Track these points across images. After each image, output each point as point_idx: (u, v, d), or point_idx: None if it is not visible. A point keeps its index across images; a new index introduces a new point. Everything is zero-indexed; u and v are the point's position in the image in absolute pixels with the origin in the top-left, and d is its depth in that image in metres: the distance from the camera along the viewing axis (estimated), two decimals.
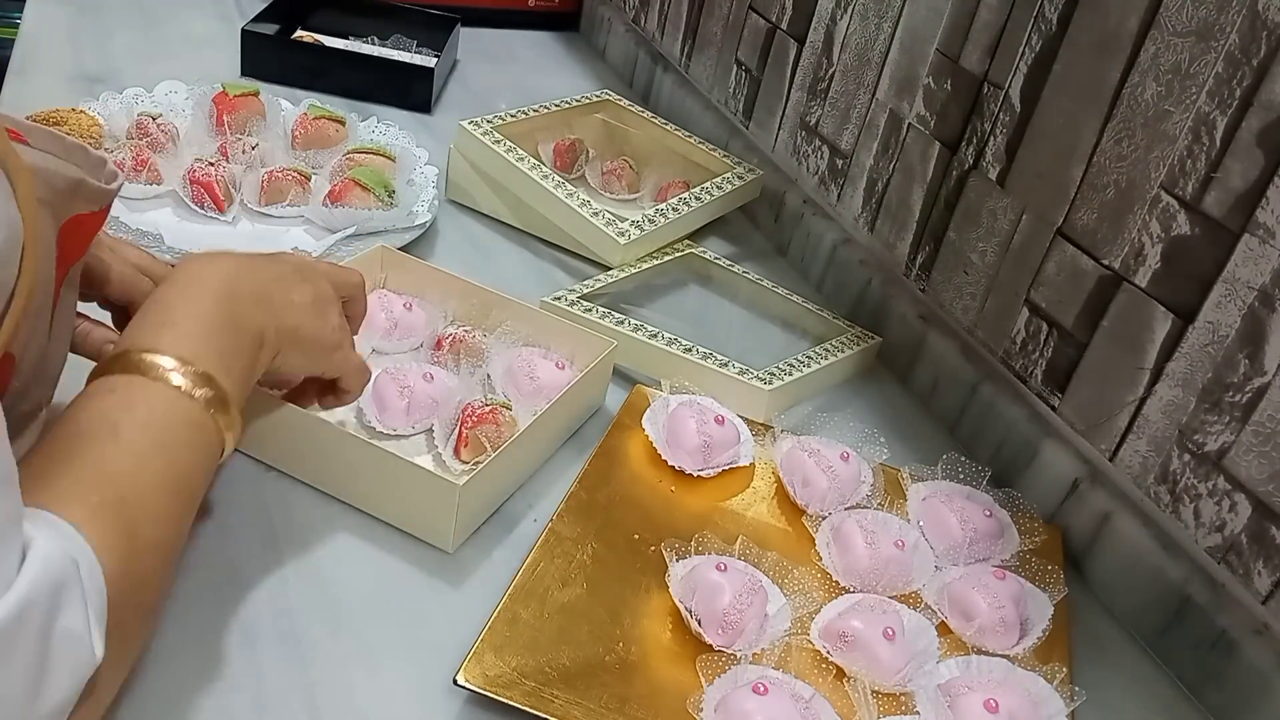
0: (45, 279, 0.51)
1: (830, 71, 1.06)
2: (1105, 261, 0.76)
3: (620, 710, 0.58)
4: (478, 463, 0.70)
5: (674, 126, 1.21)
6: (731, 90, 1.24)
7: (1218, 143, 0.67)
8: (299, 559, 0.65)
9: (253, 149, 1.00)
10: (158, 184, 0.94)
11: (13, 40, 1.22)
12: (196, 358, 0.54)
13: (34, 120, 0.77)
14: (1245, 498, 0.67)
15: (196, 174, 0.94)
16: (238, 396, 0.56)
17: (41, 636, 0.40)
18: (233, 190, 0.96)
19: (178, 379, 0.52)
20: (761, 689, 0.57)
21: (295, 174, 0.97)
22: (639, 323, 0.88)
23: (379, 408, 0.74)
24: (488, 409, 0.72)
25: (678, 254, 1.04)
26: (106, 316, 0.66)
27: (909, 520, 0.75)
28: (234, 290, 0.59)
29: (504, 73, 1.45)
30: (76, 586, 0.42)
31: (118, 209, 0.90)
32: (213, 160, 0.96)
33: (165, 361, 0.52)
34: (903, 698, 0.63)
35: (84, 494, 0.47)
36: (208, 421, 0.53)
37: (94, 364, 0.54)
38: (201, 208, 0.93)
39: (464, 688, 0.57)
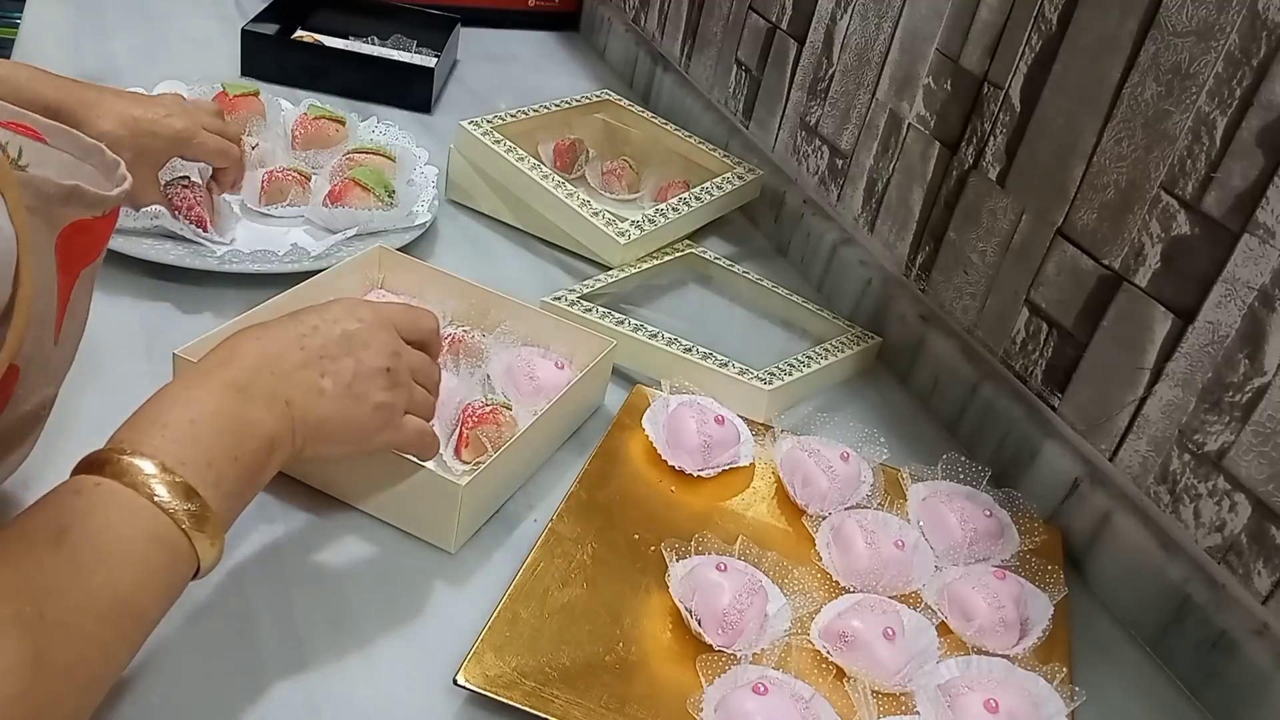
0: (45, 289, 0.50)
1: (830, 71, 1.06)
2: (1105, 261, 0.76)
3: (620, 710, 0.58)
4: (479, 463, 0.70)
5: (674, 126, 1.21)
6: (731, 90, 1.24)
7: (1218, 143, 0.67)
8: (299, 559, 0.65)
9: (253, 149, 1.00)
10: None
11: (13, 40, 1.22)
12: (181, 466, 0.49)
13: None
14: (1245, 498, 0.67)
15: (171, 196, 0.88)
16: (224, 512, 0.51)
17: None
18: (213, 208, 0.90)
19: (153, 487, 0.48)
20: (761, 689, 0.57)
21: (295, 174, 0.97)
22: (639, 323, 0.88)
23: None
24: (488, 409, 0.72)
25: (678, 254, 1.04)
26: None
27: (909, 520, 0.75)
28: (247, 389, 0.54)
29: (504, 73, 1.45)
30: None
31: None
32: (186, 180, 0.89)
33: (145, 466, 0.48)
34: (903, 698, 0.63)
35: None
36: (178, 539, 0.48)
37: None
38: (201, 229, 0.88)
39: (464, 688, 0.57)
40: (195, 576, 0.51)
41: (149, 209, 0.85)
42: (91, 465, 0.49)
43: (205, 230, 0.88)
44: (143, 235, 0.86)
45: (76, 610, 0.45)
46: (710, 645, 0.63)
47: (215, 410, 0.52)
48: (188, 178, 0.89)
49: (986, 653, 0.66)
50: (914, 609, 0.67)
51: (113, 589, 0.46)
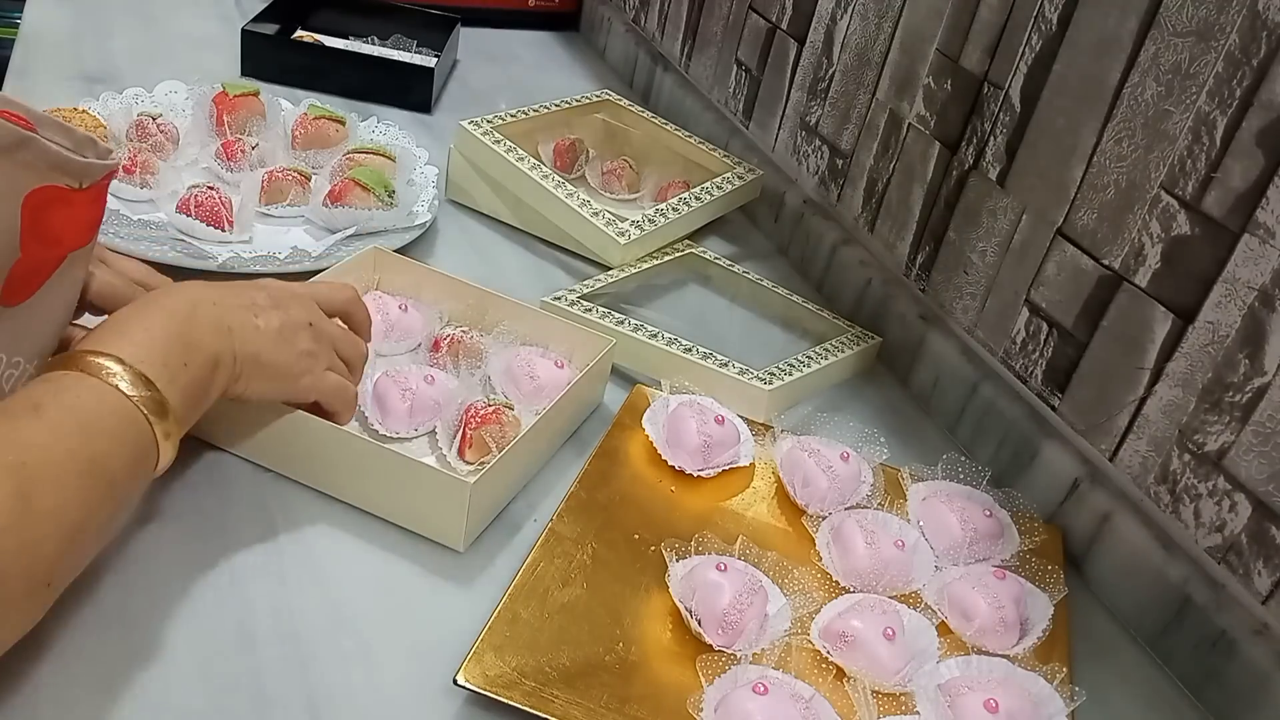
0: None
1: (830, 71, 1.06)
2: (1105, 261, 0.76)
3: (620, 710, 0.58)
4: (483, 463, 0.70)
5: (674, 126, 1.21)
6: (731, 90, 1.24)
7: (1218, 143, 0.67)
8: (299, 559, 0.65)
9: (253, 149, 1.00)
10: (152, 188, 0.94)
11: (13, 40, 1.22)
12: (139, 362, 0.55)
13: None
14: (1245, 498, 0.67)
15: (199, 198, 0.90)
16: (180, 409, 0.56)
17: None
18: (232, 206, 0.92)
19: (115, 377, 0.54)
20: (761, 689, 0.57)
21: (295, 174, 0.97)
22: (639, 323, 0.88)
23: (381, 411, 0.74)
24: (490, 409, 0.72)
25: (678, 254, 1.04)
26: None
27: (909, 520, 0.75)
28: (192, 314, 0.60)
29: (504, 73, 1.45)
30: None
31: (116, 206, 0.90)
32: (210, 185, 0.91)
33: (107, 362, 0.54)
34: (903, 698, 0.63)
35: None
36: (141, 421, 0.54)
37: None
38: (218, 228, 0.90)
39: (464, 688, 0.57)
40: (155, 473, 0.57)
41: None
42: (57, 364, 0.54)
43: (227, 230, 0.90)
44: (142, 236, 0.86)
45: (57, 464, 0.50)
46: (710, 645, 0.63)
47: (166, 324, 0.58)
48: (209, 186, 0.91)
49: (986, 653, 0.66)
50: (914, 609, 0.67)
51: (89, 451, 0.52)
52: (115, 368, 0.54)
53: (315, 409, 0.68)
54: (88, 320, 0.64)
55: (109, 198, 0.93)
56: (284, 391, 0.66)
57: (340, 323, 0.71)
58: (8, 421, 0.50)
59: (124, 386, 0.54)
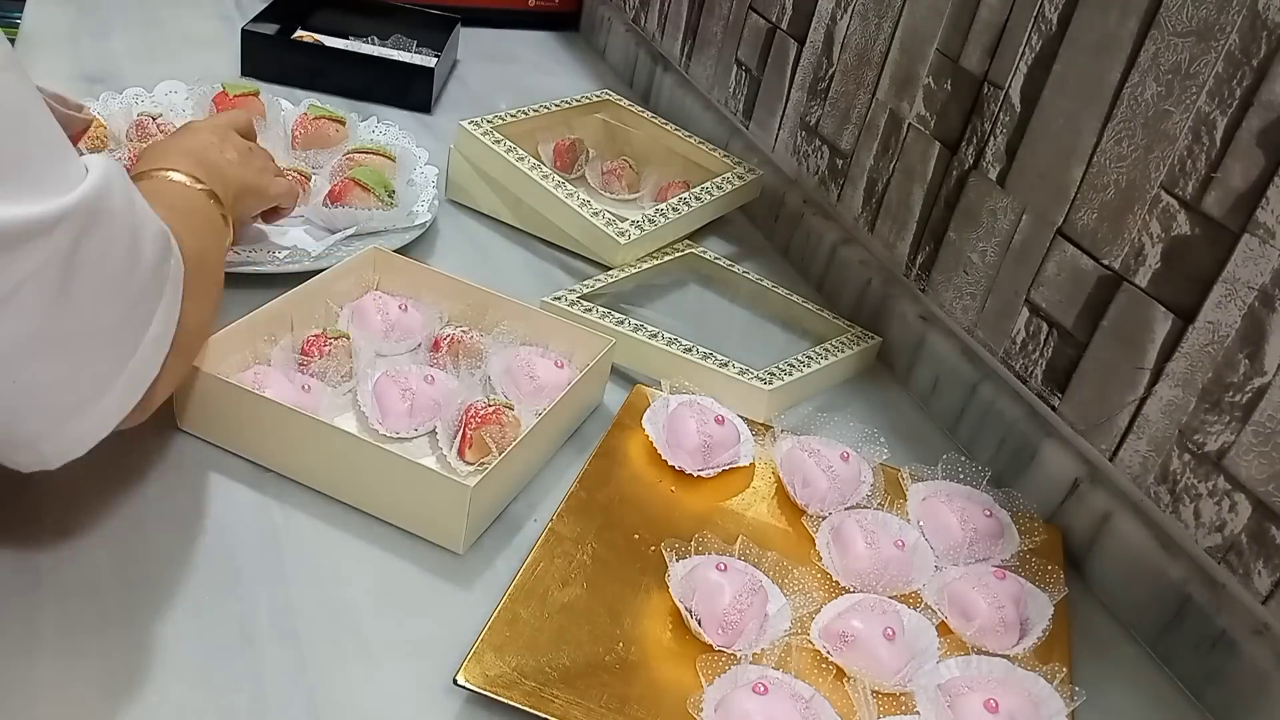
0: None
1: (830, 71, 1.06)
2: (1105, 261, 0.76)
3: (620, 710, 0.58)
4: (484, 464, 0.70)
5: (674, 126, 1.21)
6: (731, 90, 1.24)
7: (1218, 143, 0.67)
8: (299, 559, 0.65)
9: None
10: None
11: (13, 40, 1.22)
12: (190, 171, 0.72)
13: None
14: (1245, 498, 0.67)
15: None
16: (228, 204, 0.74)
17: (127, 209, 0.53)
18: None
19: (181, 177, 0.71)
20: (761, 689, 0.57)
21: (295, 174, 0.97)
22: (639, 323, 0.88)
23: (381, 411, 0.74)
24: (491, 409, 0.72)
25: (678, 254, 1.04)
26: None
27: (909, 520, 0.75)
28: (202, 153, 0.76)
29: (504, 73, 1.45)
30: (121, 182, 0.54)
31: None
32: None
33: (178, 175, 0.71)
34: (903, 698, 0.63)
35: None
36: (215, 211, 0.72)
37: None
38: None
39: (464, 688, 0.57)
40: (226, 239, 0.75)
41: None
42: (140, 177, 0.71)
43: None
44: None
45: (182, 215, 0.64)
46: (710, 645, 0.63)
47: (193, 152, 0.75)
48: None
49: (986, 653, 0.66)
50: (914, 609, 0.67)
51: (200, 219, 0.71)
52: (181, 176, 0.71)
53: (270, 215, 0.89)
54: None
55: None
56: (261, 201, 0.84)
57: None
58: (169, 215, 0.60)
59: (196, 187, 0.71)
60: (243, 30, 1.24)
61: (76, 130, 0.72)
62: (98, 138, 0.96)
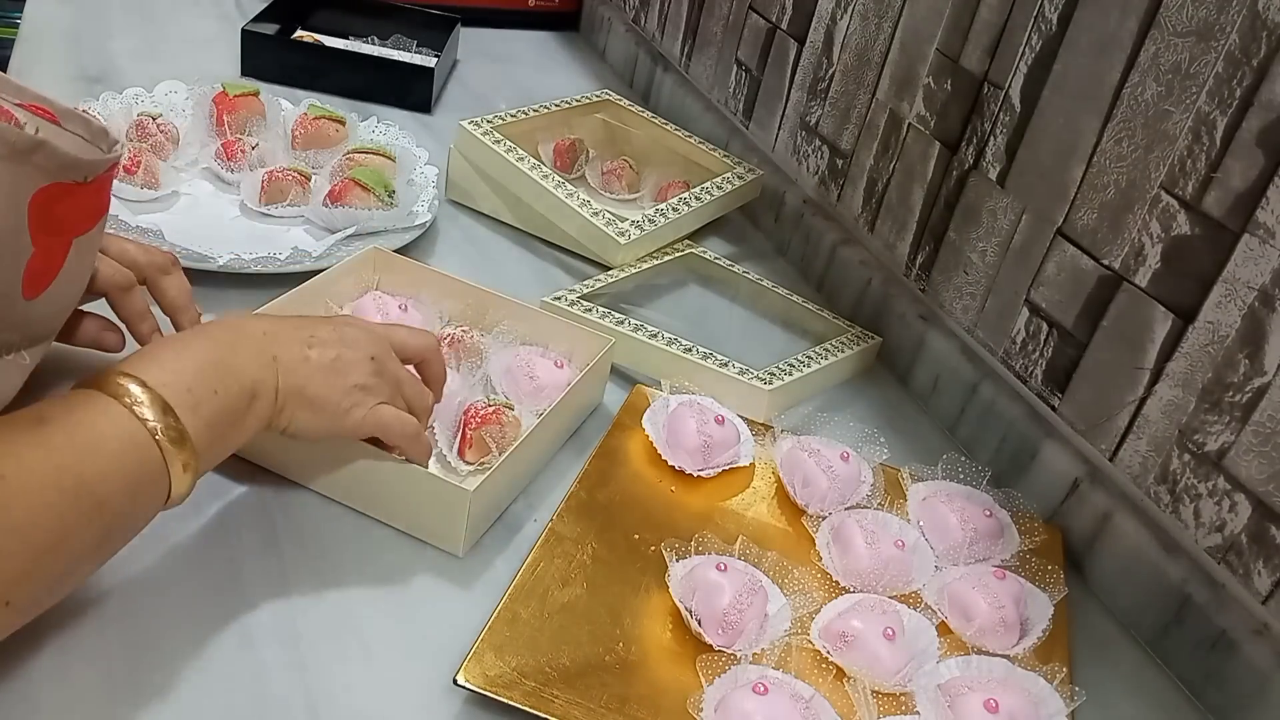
0: (8, 232, 0.51)
1: (830, 71, 1.06)
2: (1105, 261, 0.76)
3: (620, 710, 0.58)
4: (484, 463, 0.70)
5: (674, 126, 1.21)
6: (731, 90, 1.24)
7: (1218, 143, 0.67)
8: (299, 559, 0.65)
9: (253, 149, 1.00)
10: (153, 188, 0.94)
11: (13, 40, 1.22)
12: (162, 385, 0.53)
13: None
14: (1245, 498, 0.67)
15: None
16: (203, 438, 0.54)
17: None
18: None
19: (132, 398, 0.52)
20: (761, 689, 0.57)
21: (295, 174, 0.97)
22: (639, 323, 0.88)
23: None
24: (491, 409, 0.72)
25: (678, 254, 1.04)
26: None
27: (909, 520, 0.75)
28: (235, 341, 0.58)
29: (504, 73, 1.45)
30: None
31: (116, 208, 0.90)
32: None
33: (128, 383, 0.52)
34: (903, 698, 0.63)
35: None
36: (149, 447, 0.52)
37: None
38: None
39: (464, 688, 0.57)
40: (166, 504, 0.54)
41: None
42: (81, 383, 0.53)
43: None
44: (140, 234, 0.86)
45: (38, 478, 0.48)
46: (710, 645, 0.63)
47: (203, 350, 0.57)
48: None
49: (986, 653, 0.66)
50: (914, 609, 0.67)
51: (78, 470, 0.50)
52: (135, 389, 0.52)
53: (380, 445, 0.66)
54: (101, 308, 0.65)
55: (111, 198, 0.94)
56: (331, 426, 0.62)
57: (413, 370, 0.68)
58: (6, 430, 0.49)
59: (139, 409, 0.52)
60: (243, 30, 1.24)
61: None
62: None
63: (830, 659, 0.64)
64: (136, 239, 0.83)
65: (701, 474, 0.77)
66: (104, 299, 0.69)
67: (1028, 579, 0.71)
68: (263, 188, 0.96)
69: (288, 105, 1.10)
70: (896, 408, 0.93)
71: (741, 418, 0.81)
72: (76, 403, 0.52)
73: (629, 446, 0.78)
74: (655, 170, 1.15)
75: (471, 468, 0.71)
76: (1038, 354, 0.82)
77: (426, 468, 0.66)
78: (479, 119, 1.06)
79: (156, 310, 0.71)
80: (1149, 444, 0.73)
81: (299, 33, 1.35)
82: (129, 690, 0.54)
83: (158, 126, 0.99)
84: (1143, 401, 0.73)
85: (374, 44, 1.37)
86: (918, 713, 0.61)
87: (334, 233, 0.94)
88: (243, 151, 1.00)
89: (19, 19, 1.27)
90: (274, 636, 0.59)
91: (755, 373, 0.85)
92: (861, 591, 0.69)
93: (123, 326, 0.70)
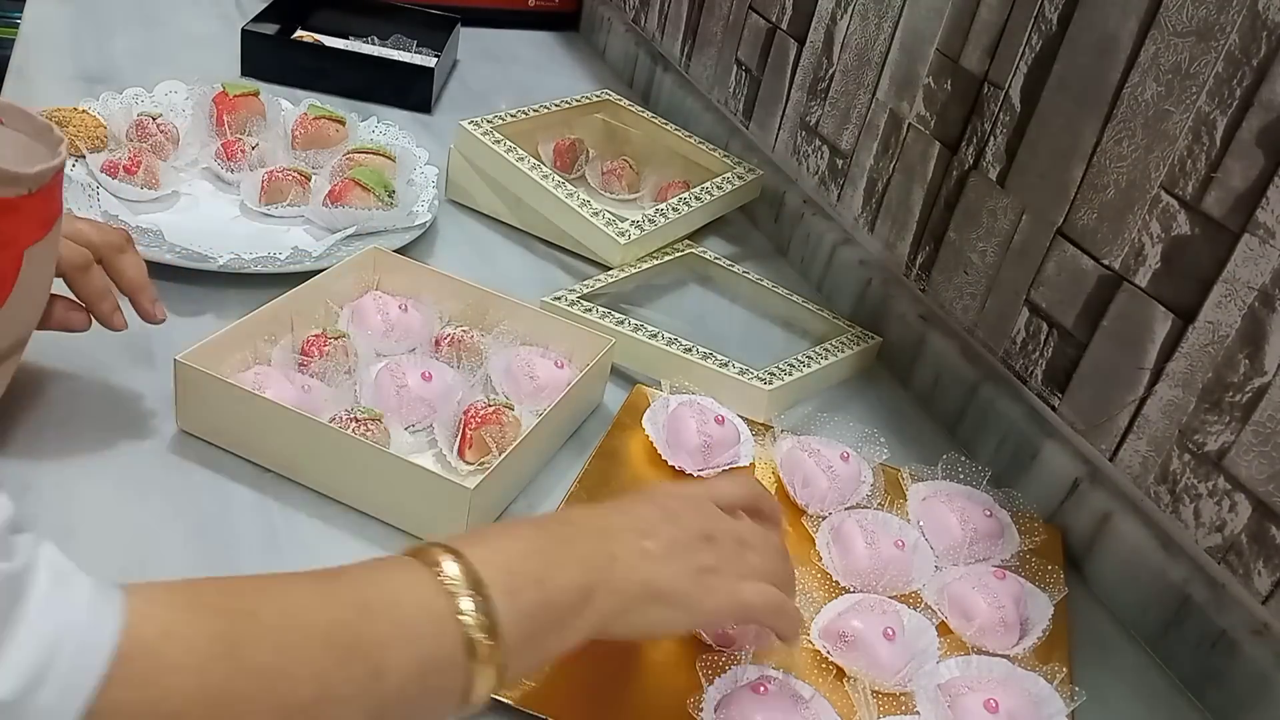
0: None
1: (830, 71, 1.06)
2: (1105, 261, 0.76)
3: (620, 710, 0.58)
4: (484, 463, 0.70)
5: (674, 126, 1.21)
6: (731, 90, 1.24)
7: (1218, 143, 0.67)
8: (299, 559, 0.65)
9: (253, 149, 1.00)
10: (153, 188, 0.94)
11: (13, 40, 1.22)
12: (482, 562, 0.46)
13: None
14: (1245, 498, 0.67)
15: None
16: (514, 632, 0.46)
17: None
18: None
19: (443, 568, 0.46)
20: (761, 689, 0.57)
21: (295, 174, 0.97)
22: (639, 323, 0.88)
23: (382, 410, 0.73)
24: (491, 409, 0.72)
25: (678, 254, 1.04)
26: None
27: (909, 520, 0.75)
28: (568, 534, 0.52)
29: (504, 73, 1.45)
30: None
31: (116, 208, 0.90)
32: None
33: (443, 555, 0.46)
34: (903, 698, 0.63)
35: (206, 588, 0.42)
36: (450, 624, 0.44)
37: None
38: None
39: None
40: (461, 705, 0.45)
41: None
42: (410, 550, 0.48)
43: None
44: (139, 234, 0.86)
45: (300, 627, 0.42)
46: (710, 645, 0.63)
47: (533, 535, 0.51)
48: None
49: (986, 653, 0.66)
50: (914, 609, 0.67)
51: (355, 629, 0.43)
52: (448, 561, 0.46)
53: (727, 639, 0.60)
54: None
55: (111, 198, 0.93)
56: (687, 620, 0.55)
57: (745, 517, 0.60)
58: (296, 577, 0.45)
59: (446, 580, 0.45)
60: (243, 30, 1.24)
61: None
62: (98, 138, 0.97)
63: (830, 659, 0.64)
64: (136, 239, 0.84)
65: (702, 474, 0.77)
66: (61, 279, 0.66)
67: (1028, 579, 0.71)
68: (263, 188, 0.96)
69: (288, 105, 1.10)
70: (896, 408, 0.93)
71: (741, 418, 0.81)
72: (382, 563, 0.47)
73: (629, 446, 0.78)
74: (655, 170, 1.15)
75: (471, 467, 0.71)
76: (1038, 354, 0.82)
77: (798, 642, 0.61)
78: (479, 119, 1.06)
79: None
80: (1149, 444, 0.73)
81: (299, 33, 1.35)
82: None
83: (158, 126, 0.99)
84: (1143, 401, 0.73)
85: (374, 44, 1.37)
86: (918, 713, 0.61)
87: (334, 233, 0.94)
88: (243, 151, 1.00)
89: (19, 19, 1.27)
90: None
91: (755, 373, 0.85)
92: (861, 591, 0.69)
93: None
